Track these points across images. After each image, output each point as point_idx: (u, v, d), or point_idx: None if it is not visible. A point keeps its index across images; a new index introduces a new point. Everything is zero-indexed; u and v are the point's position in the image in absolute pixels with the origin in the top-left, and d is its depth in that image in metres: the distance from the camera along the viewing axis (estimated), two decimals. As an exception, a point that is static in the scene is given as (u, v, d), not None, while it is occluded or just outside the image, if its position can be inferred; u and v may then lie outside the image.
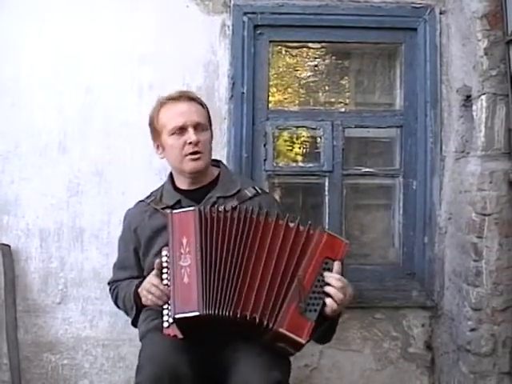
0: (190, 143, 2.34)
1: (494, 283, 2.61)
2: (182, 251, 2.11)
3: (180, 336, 2.12)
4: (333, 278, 2.08)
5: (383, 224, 3.27)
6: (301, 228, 2.15)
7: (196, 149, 2.35)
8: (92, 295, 2.97)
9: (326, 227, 3.03)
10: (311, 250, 2.10)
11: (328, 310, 2.07)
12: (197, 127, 2.37)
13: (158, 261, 2.22)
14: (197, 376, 2.07)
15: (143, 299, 2.28)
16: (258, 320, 2.01)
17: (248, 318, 2.02)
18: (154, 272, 2.23)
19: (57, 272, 2.97)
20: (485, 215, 2.63)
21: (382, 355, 3.05)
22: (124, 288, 2.46)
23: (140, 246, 2.44)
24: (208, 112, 2.49)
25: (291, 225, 2.15)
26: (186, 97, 2.43)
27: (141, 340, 2.36)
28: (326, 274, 2.08)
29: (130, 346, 2.92)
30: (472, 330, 2.66)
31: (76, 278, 2.97)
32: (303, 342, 2.01)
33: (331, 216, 3.06)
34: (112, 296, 2.57)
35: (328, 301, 2.05)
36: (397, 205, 3.14)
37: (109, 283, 2.60)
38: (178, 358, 2.04)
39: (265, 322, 2.02)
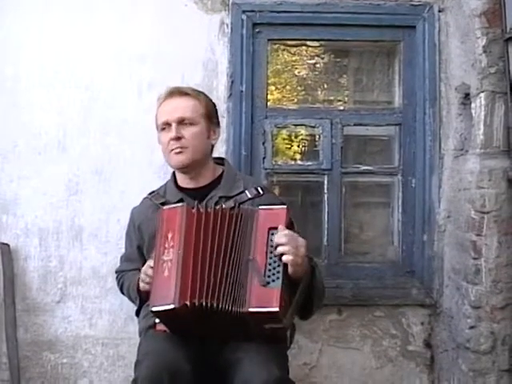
0: (173, 139, 2.37)
1: (493, 281, 2.61)
2: (167, 245, 2.12)
3: (168, 331, 2.14)
4: (277, 238, 2.09)
5: (382, 222, 3.28)
6: (242, 214, 2.18)
7: (178, 144, 2.36)
8: (91, 294, 2.97)
9: (326, 225, 3.05)
10: (255, 229, 2.14)
11: (289, 268, 2.08)
12: (181, 122, 2.38)
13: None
14: (196, 372, 2.07)
15: (141, 284, 2.29)
16: (230, 309, 2.04)
17: (221, 309, 2.04)
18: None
19: (56, 271, 2.97)
20: (484, 213, 2.63)
21: (381, 353, 3.05)
22: (129, 278, 2.49)
23: (144, 243, 2.46)
24: (208, 106, 2.47)
25: (236, 214, 2.18)
26: (177, 92, 2.44)
27: (140, 336, 2.37)
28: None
29: (129, 344, 2.91)
30: (471, 327, 2.66)
31: (75, 277, 2.97)
32: (276, 309, 2.01)
33: (330, 214, 3.06)
34: (118, 284, 2.62)
35: (284, 258, 2.06)
36: (396, 203, 3.14)
37: (116, 272, 2.64)
38: (176, 354, 2.05)
39: (237, 309, 2.04)
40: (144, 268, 2.26)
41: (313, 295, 2.25)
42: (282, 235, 2.09)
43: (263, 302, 2.03)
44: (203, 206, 2.18)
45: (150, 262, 2.21)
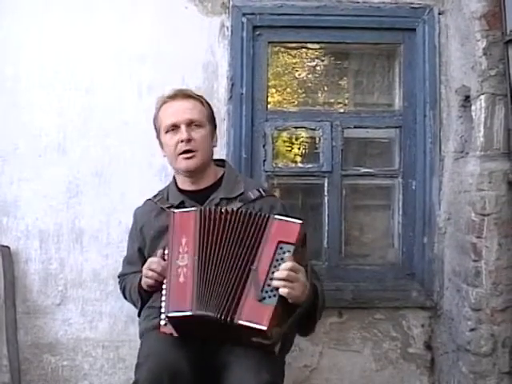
0: (182, 141, 2.34)
1: (493, 283, 2.61)
2: (181, 250, 2.11)
3: (175, 334, 2.13)
4: (277, 273, 2.03)
5: (383, 224, 3.28)
6: (256, 221, 2.12)
7: (188, 147, 2.35)
8: (92, 296, 2.97)
9: (326, 228, 3.05)
10: (265, 239, 2.08)
11: (286, 295, 2.03)
12: (190, 124, 2.36)
13: (160, 251, 2.24)
14: (196, 373, 2.07)
15: (143, 280, 2.28)
16: (222, 318, 2.00)
17: (218, 318, 2.01)
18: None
19: (56, 273, 2.97)
20: (484, 215, 2.63)
21: (381, 355, 3.06)
22: (130, 280, 2.48)
23: (145, 245, 2.45)
24: (209, 109, 2.47)
25: (251, 220, 2.12)
26: (182, 95, 2.43)
27: (140, 338, 2.37)
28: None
29: (129, 347, 2.92)
30: (471, 330, 2.66)
31: (76, 279, 2.97)
32: (264, 328, 1.97)
33: (330, 217, 3.06)
34: (120, 288, 2.59)
35: (280, 291, 2.01)
36: (396, 205, 3.14)
37: (118, 276, 2.63)
38: (176, 355, 2.05)
39: (227, 318, 2.00)
40: (147, 264, 2.25)
41: (314, 314, 2.22)
42: (283, 269, 2.02)
43: (253, 318, 1.99)
44: (218, 211, 2.15)
45: (154, 259, 2.22)
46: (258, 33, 3.04)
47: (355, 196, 3.24)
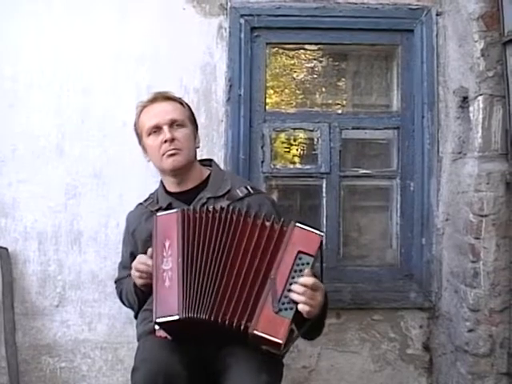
0: (166, 141, 2.34)
1: (491, 284, 2.61)
2: (165, 254, 2.09)
3: (169, 338, 2.12)
4: (297, 285, 2.01)
5: (381, 225, 3.28)
6: (275, 226, 2.10)
7: (172, 146, 2.34)
8: (90, 298, 2.97)
9: (324, 229, 3.05)
10: (284, 247, 2.06)
11: (304, 313, 2.02)
12: (172, 125, 2.36)
13: (149, 251, 2.22)
14: (192, 377, 2.06)
15: (136, 280, 2.28)
16: (234, 324, 1.98)
17: (226, 322, 1.99)
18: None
19: (55, 275, 2.97)
20: (482, 216, 2.63)
21: (380, 356, 3.06)
22: (126, 283, 2.47)
23: (137, 249, 2.43)
24: (190, 110, 2.48)
25: (267, 224, 2.10)
26: (161, 97, 2.43)
27: (138, 341, 2.36)
28: (297, 279, 2.02)
29: (128, 348, 2.92)
30: (470, 330, 2.66)
31: (74, 281, 2.97)
32: (280, 341, 1.96)
33: (329, 218, 3.06)
34: (117, 293, 2.59)
35: (300, 307, 1.99)
36: (394, 206, 3.14)
37: (115, 282, 2.62)
38: (173, 359, 2.04)
39: (241, 326, 1.98)
40: (135, 262, 2.26)
41: (323, 322, 2.20)
42: (301, 283, 2.00)
43: (270, 330, 1.96)
44: (199, 211, 2.14)
45: (142, 257, 2.22)
46: (256, 34, 3.04)
47: (353, 197, 3.24)
